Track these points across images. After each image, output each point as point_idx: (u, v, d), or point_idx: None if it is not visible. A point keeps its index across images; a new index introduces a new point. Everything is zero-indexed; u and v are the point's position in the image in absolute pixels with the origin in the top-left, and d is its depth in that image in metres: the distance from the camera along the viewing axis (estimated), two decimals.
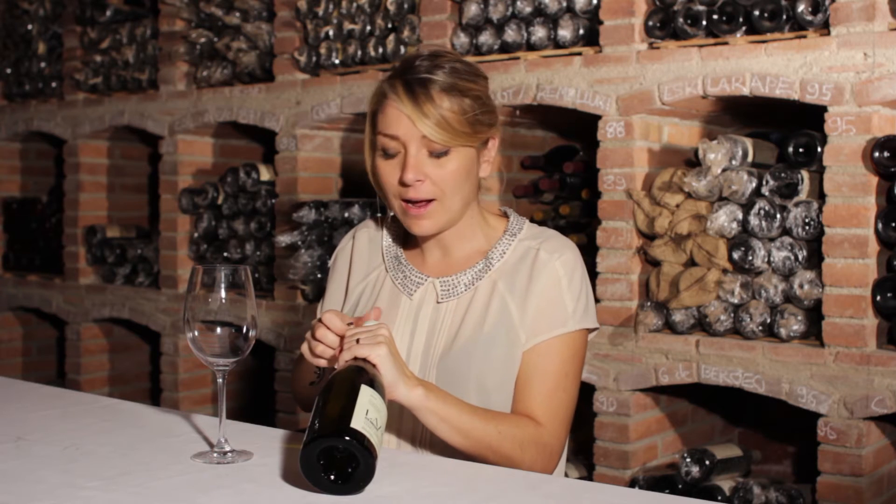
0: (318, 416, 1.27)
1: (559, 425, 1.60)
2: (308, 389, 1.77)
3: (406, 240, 1.78)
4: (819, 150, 2.53)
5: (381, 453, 1.30)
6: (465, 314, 1.64)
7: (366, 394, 1.31)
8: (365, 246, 1.80)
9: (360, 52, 3.30)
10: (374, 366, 1.42)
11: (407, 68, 1.62)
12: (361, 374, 1.37)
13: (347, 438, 1.22)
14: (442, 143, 1.58)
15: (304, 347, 1.53)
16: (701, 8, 2.66)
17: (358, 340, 1.44)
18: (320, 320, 1.52)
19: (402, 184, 1.61)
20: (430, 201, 1.62)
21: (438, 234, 1.69)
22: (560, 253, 1.65)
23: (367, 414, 1.28)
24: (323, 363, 1.53)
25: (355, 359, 1.42)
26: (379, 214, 1.85)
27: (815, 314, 2.50)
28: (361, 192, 3.65)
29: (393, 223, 1.81)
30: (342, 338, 1.48)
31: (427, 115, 1.57)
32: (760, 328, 2.56)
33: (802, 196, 2.56)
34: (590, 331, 1.68)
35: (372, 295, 1.74)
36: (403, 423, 1.63)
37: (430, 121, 1.57)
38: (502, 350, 1.61)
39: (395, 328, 1.66)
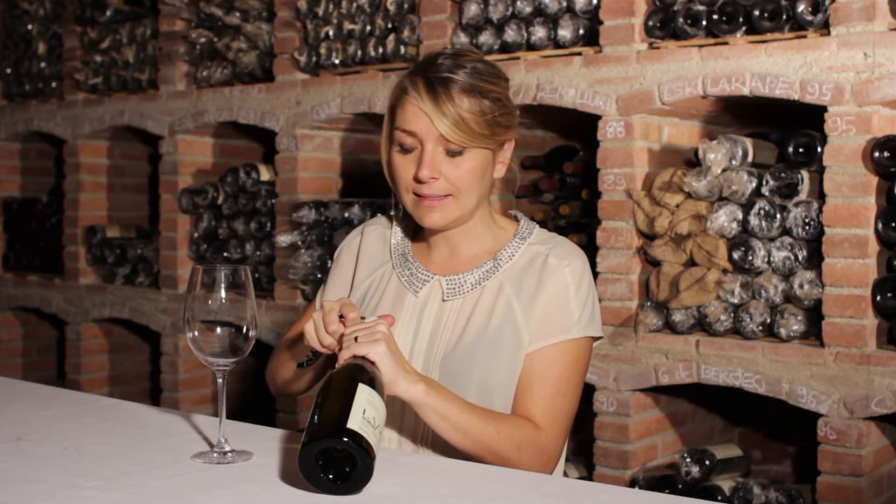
0: (315, 416, 1.27)
1: (558, 430, 1.60)
2: (293, 372, 1.74)
3: (414, 237, 1.79)
4: (819, 150, 2.53)
5: (381, 453, 1.30)
6: (471, 314, 1.65)
7: (363, 392, 1.30)
8: (374, 242, 1.80)
9: (360, 52, 3.30)
10: (373, 363, 1.42)
11: (429, 65, 1.63)
12: (360, 372, 1.36)
13: (345, 439, 1.22)
14: (459, 143, 1.59)
15: (309, 329, 1.51)
16: (701, 8, 2.66)
17: (356, 338, 1.44)
18: (335, 310, 1.49)
19: (417, 180, 1.62)
20: (445, 196, 1.62)
21: (448, 228, 1.68)
22: (569, 260, 1.65)
23: (365, 413, 1.27)
24: (327, 352, 1.51)
25: (354, 357, 1.42)
26: (392, 213, 1.84)
27: (815, 314, 2.50)
28: (361, 192, 3.65)
29: (403, 220, 1.81)
30: (341, 336, 1.47)
31: (446, 114, 1.57)
32: (760, 328, 2.56)
33: (802, 196, 2.56)
34: (595, 339, 1.68)
35: (378, 290, 1.74)
36: (405, 420, 1.63)
37: (449, 120, 1.57)
38: (506, 352, 1.61)
39: (399, 325, 1.66)
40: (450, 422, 1.50)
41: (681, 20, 2.67)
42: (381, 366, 1.41)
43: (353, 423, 1.25)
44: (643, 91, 2.70)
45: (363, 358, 1.42)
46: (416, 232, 1.79)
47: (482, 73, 1.62)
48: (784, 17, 2.54)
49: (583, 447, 3.06)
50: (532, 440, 1.57)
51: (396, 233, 1.79)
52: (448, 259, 1.72)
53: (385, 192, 3.61)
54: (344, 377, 1.35)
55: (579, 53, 2.83)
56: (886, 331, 2.43)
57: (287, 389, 1.81)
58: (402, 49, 3.20)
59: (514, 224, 1.75)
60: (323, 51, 3.36)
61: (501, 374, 1.61)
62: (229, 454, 1.40)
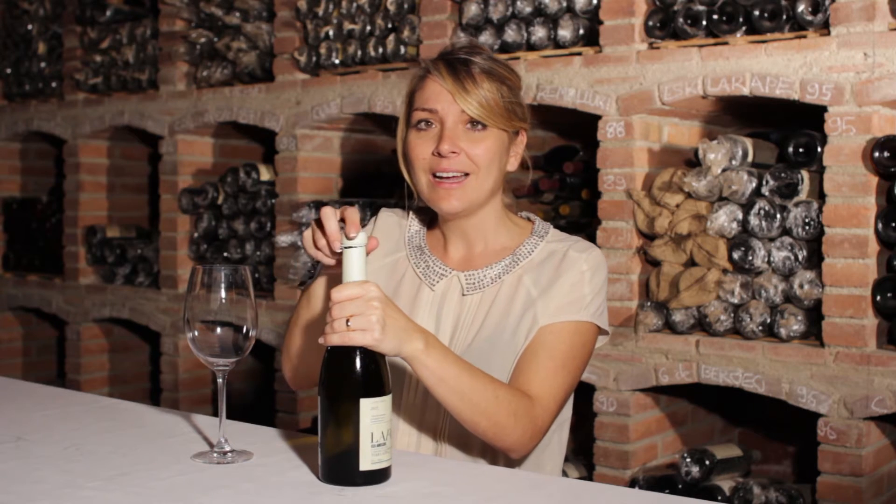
0: (324, 450, 1.29)
1: (554, 404, 1.60)
2: (303, 344, 1.71)
3: (430, 231, 1.78)
4: (819, 150, 2.53)
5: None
6: (490, 307, 1.66)
7: (366, 413, 1.28)
8: (389, 227, 1.79)
9: (360, 52, 3.30)
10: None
11: (447, 53, 1.69)
12: (355, 381, 1.31)
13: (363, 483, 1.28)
14: (479, 118, 1.62)
15: (307, 236, 1.50)
16: (701, 8, 2.66)
17: (348, 321, 1.34)
18: (317, 221, 1.47)
19: (438, 154, 1.63)
20: (464, 175, 1.64)
21: (464, 214, 1.68)
22: (588, 252, 1.69)
23: (373, 439, 1.27)
24: (324, 258, 1.49)
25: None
26: (408, 204, 1.82)
27: (815, 314, 2.50)
28: (361, 192, 3.65)
29: (418, 213, 1.81)
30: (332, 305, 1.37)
31: (468, 90, 1.62)
32: (760, 328, 2.56)
33: (802, 196, 2.56)
34: (600, 332, 1.69)
35: (391, 280, 1.73)
36: (426, 417, 1.63)
37: (471, 97, 1.62)
38: (526, 341, 1.62)
39: (417, 319, 1.64)
40: (448, 384, 1.46)
41: (681, 20, 2.67)
42: (380, 350, 1.35)
43: (365, 462, 1.27)
44: (643, 91, 2.70)
45: None
46: (430, 225, 1.79)
47: (498, 62, 1.69)
48: (784, 17, 2.54)
49: (583, 447, 3.06)
50: (528, 409, 1.55)
51: (412, 224, 1.79)
52: (464, 254, 1.73)
53: (385, 192, 3.61)
54: (342, 397, 1.30)
55: (579, 53, 2.83)
56: (886, 331, 2.43)
57: (304, 367, 1.74)
58: (402, 49, 3.20)
59: (528, 223, 1.77)
60: (323, 51, 3.36)
61: None
62: (229, 454, 1.40)
